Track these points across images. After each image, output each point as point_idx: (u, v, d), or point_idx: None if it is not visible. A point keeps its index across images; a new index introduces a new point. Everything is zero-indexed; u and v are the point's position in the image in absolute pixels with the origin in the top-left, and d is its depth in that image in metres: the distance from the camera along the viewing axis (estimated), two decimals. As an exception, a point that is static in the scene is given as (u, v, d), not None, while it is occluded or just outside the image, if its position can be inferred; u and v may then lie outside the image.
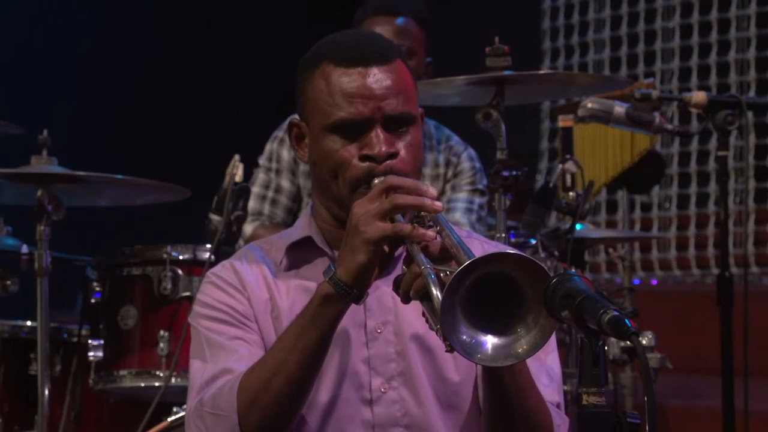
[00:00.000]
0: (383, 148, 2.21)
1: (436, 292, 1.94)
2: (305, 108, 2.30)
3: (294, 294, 2.30)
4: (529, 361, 2.19)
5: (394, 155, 2.23)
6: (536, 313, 1.92)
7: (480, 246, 2.37)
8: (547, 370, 2.30)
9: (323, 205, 2.34)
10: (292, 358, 2.13)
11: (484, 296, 1.92)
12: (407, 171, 2.23)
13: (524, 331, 1.93)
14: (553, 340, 2.35)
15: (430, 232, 2.05)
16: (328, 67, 2.25)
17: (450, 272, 1.91)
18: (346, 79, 2.23)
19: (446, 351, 1.93)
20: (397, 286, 2.07)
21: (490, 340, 1.92)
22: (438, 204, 2.09)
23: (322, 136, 2.26)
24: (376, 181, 2.20)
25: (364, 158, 2.22)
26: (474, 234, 2.48)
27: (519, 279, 1.92)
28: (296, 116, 2.35)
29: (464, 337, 1.90)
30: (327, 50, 2.28)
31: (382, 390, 2.27)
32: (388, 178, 2.14)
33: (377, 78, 2.23)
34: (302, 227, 2.37)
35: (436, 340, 2.20)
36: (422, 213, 2.12)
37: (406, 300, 2.05)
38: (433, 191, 2.12)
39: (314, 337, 2.13)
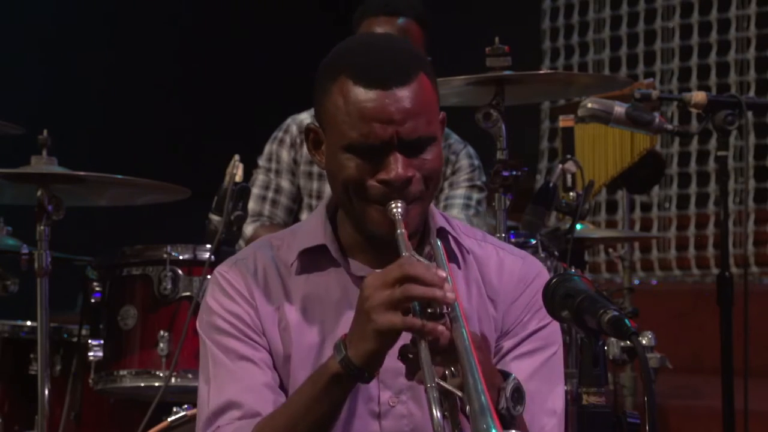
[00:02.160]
0: (400, 172, 2.17)
1: (436, 414, 1.95)
2: (323, 118, 2.24)
3: (303, 303, 2.27)
4: (534, 392, 2.19)
5: (410, 180, 2.19)
6: None
7: (495, 252, 2.35)
8: (551, 407, 2.27)
9: (342, 209, 2.31)
10: (302, 427, 2.14)
11: None
12: (424, 196, 2.21)
13: None
14: (559, 372, 2.32)
15: (441, 328, 2.02)
16: (347, 84, 2.18)
17: (455, 374, 1.96)
18: (364, 99, 2.17)
19: None
20: (403, 357, 2.08)
21: None
22: (450, 295, 2.04)
23: (338, 153, 2.20)
24: (392, 204, 2.17)
25: (380, 182, 2.18)
26: (489, 237, 2.42)
27: None
28: (314, 122, 2.30)
29: None
30: (346, 62, 2.21)
31: (391, 404, 2.26)
32: (405, 268, 2.06)
33: (396, 99, 2.16)
34: (316, 232, 2.31)
35: None
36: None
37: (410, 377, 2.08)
38: (449, 286, 2.07)
39: (323, 411, 2.13)
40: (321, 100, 2.24)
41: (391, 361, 2.22)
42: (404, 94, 2.17)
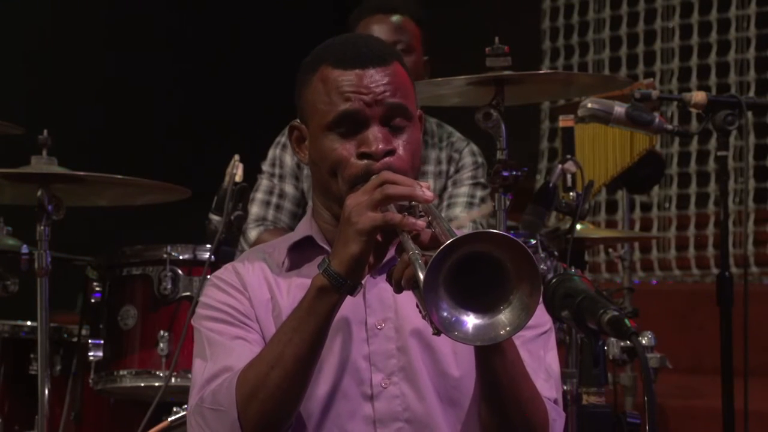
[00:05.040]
0: (380, 146, 2.23)
1: (421, 276, 1.95)
2: (304, 110, 2.33)
3: (295, 292, 2.32)
4: (528, 357, 2.22)
5: (391, 152, 2.25)
6: (519, 291, 1.93)
7: None
8: (545, 367, 2.31)
9: (323, 205, 2.36)
10: (289, 351, 2.15)
11: (468, 276, 1.94)
12: (405, 168, 2.25)
13: (507, 310, 1.94)
14: (552, 339, 2.36)
15: (420, 222, 2.08)
16: (326, 70, 2.28)
17: None
18: (343, 79, 2.26)
19: (433, 334, 1.95)
20: (389, 277, 2.09)
21: (471, 320, 1.94)
22: (429, 194, 2.11)
23: (320, 136, 2.28)
24: (373, 178, 2.21)
25: (361, 156, 2.25)
26: None
27: (502, 258, 1.93)
28: (297, 120, 2.38)
29: (445, 314, 1.92)
30: (325, 54, 2.31)
31: (383, 385, 2.28)
32: (383, 174, 2.17)
33: (374, 78, 2.26)
34: (303, 228, 2.40)
35: (436, 336, 2.21)
36: (413, 203, 2.14)
37: (398, 289, 2.07)
38: (426, 185, 2.14)
39: (310, 329, 2.15)
40: (302, 94, 2.33)
41: (381, 344, 2.29)
42: (381, 73, 2.27)
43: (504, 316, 1.93)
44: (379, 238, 2.12)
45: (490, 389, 2.17)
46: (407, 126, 2.28)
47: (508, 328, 1.93)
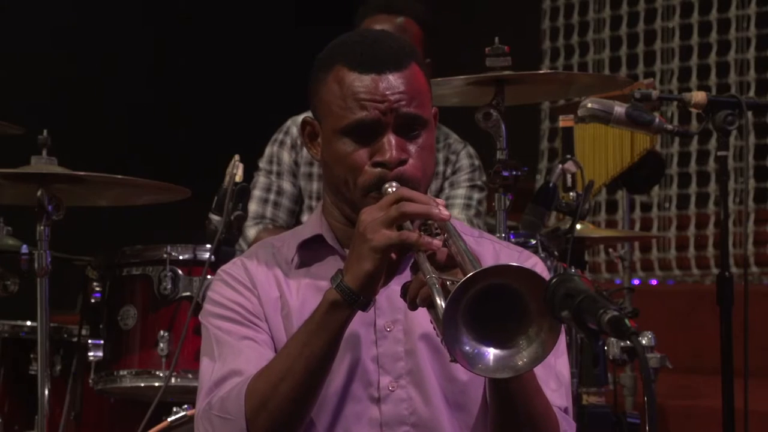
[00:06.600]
0: (394, 154, 2.21)
1: (439, 302, 1.95)
2: (318, 108, 2.31)
3: (304, 292, 2.31)
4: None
5: (405, 161, 2.23)
6: (538, 326, 1.92)
7: (491, 246, 2.38)
8: (556, 374, 2.30)
9: (334, 204, 2.35)
10: (299, 364, 2.14)
11: (487, 307, 1.92)
12: (417, 176, 2.24)
13: (525, 343, 1.93)
14: (563, 343, 2.35)
15: (436, 241, 2.06)
16: (342, 71, 2.25)
17: (454, 282, 1.92)
18: (359, 84, 2.23)
19: (450, 361, 1.94)
20: (404, 293, 2.08)
21: (491, 352, 1.93)
22: (445, 212, 2.09)
23: (334, 139, 2.26)
24: (386, 186, 2.20)
25: (375, 164, 2.23)
26: (486, 234, 2.47)
27: (521, 291, 1.92)
28: (310, 115, 2.36)
29: (467, 347, 1.91)
30: (341, 52, 2.28)
31: (390, 388, 2.27)
32: (399, 190, 2.15)
33: (390, 84, 2.23)
34: (313, 225, 2.38)
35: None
36: (429, 221, 2.12)
37: (412, 307, 2.06)
38: (442, 202, 2.12)
39: (321, 343, 2.14)
40: (317, 91, 2.30)
41: (390, 345, 2.28)
42: (398, 79, 2.24)
43: (522, 350, 1.93)
44: (393, 255, 2.10)
45: (503, 406, 2.16)
46: (422, 131, 2.26)
47: (525, 360, 1.93)
